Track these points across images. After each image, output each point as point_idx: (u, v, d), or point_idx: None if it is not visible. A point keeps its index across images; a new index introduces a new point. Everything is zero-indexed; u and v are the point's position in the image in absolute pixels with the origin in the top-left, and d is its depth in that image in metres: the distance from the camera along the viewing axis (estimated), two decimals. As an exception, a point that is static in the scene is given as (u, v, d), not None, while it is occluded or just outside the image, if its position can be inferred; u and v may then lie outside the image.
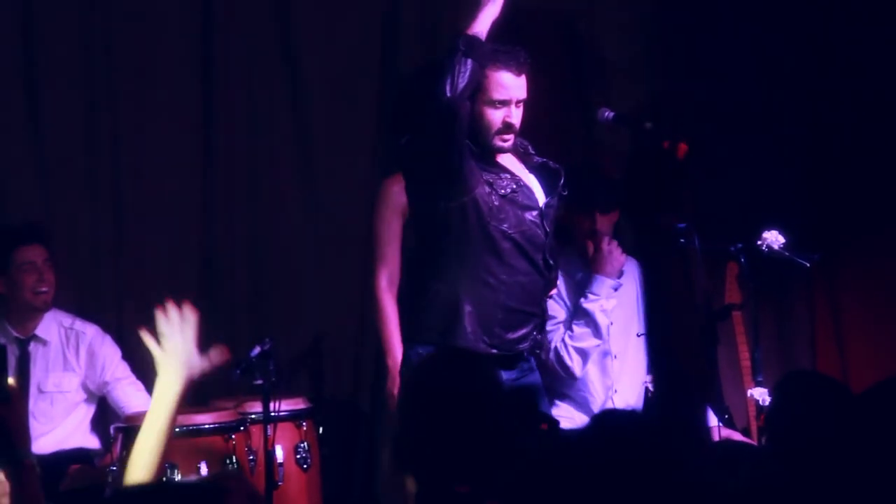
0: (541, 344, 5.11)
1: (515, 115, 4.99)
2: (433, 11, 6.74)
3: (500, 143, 5.01)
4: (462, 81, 4.78)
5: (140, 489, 2.89)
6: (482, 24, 4.87)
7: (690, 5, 6.94)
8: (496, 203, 4.93)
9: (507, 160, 5.09)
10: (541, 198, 5.07)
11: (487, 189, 4.92)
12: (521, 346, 5.03)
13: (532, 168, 5.14)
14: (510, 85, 4.96)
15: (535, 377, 5.18)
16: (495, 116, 4.97)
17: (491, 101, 4.96)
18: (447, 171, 4.87)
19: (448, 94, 4.76)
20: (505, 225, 4.94)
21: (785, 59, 7.01)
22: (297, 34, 6.73)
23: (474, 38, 4.83)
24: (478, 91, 4.92)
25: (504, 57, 4.95)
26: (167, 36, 6.62)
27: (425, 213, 5.02)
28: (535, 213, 5.02)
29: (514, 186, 4.99)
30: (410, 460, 3.43)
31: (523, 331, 5.01)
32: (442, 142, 4.84)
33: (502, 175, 4.99)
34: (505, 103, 4.97)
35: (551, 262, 5.07)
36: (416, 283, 5.09)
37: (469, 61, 4.80)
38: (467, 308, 4.91)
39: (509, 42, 4.97)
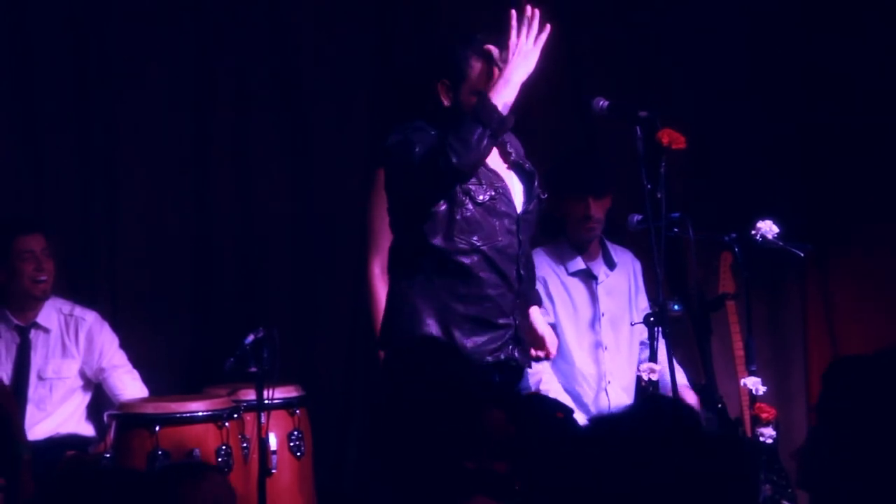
0: (516, 359, 4.94)
1: None
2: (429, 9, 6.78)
3: None
4: (478, 157, 4.73)
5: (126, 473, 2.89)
6: (512, 92, 4.75)
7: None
8: (468, 214, 4.84)
9: (490, 156, 4.95)
10: (519, 203, 4.96)
11: (462, 197, 4.84)
12: (489, 358, 4.87)
13: (510, 165, 5.03)
14: (494, 75, 4.82)
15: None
16: None
17: (476, 91, 4.85)
18: (423, 200, 4.84)
19: (465, 165, 4.70)
20: (474, 237, 4.84)
21: (779, 52, 7.02)
22: (291, 33, 6.76)
23: (507, 119, 4.74)
24: (462, 81, 4.85)
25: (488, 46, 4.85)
26: (163, 34, 6.65)
27: (397, 218, 4.97)
28: (511, 220, 4.93)
29: (493, 193, 4.89)
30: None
31: (495, 343, 4.89)
32: (435, 190, 4.80)
33: (483, 179, 4.88)
34: None
35: (523, 273, 4.95)
36: (391, 283, 5.03)
37: (494, 141, 4.76)
38: (434, 317, 4.83)
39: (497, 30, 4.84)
